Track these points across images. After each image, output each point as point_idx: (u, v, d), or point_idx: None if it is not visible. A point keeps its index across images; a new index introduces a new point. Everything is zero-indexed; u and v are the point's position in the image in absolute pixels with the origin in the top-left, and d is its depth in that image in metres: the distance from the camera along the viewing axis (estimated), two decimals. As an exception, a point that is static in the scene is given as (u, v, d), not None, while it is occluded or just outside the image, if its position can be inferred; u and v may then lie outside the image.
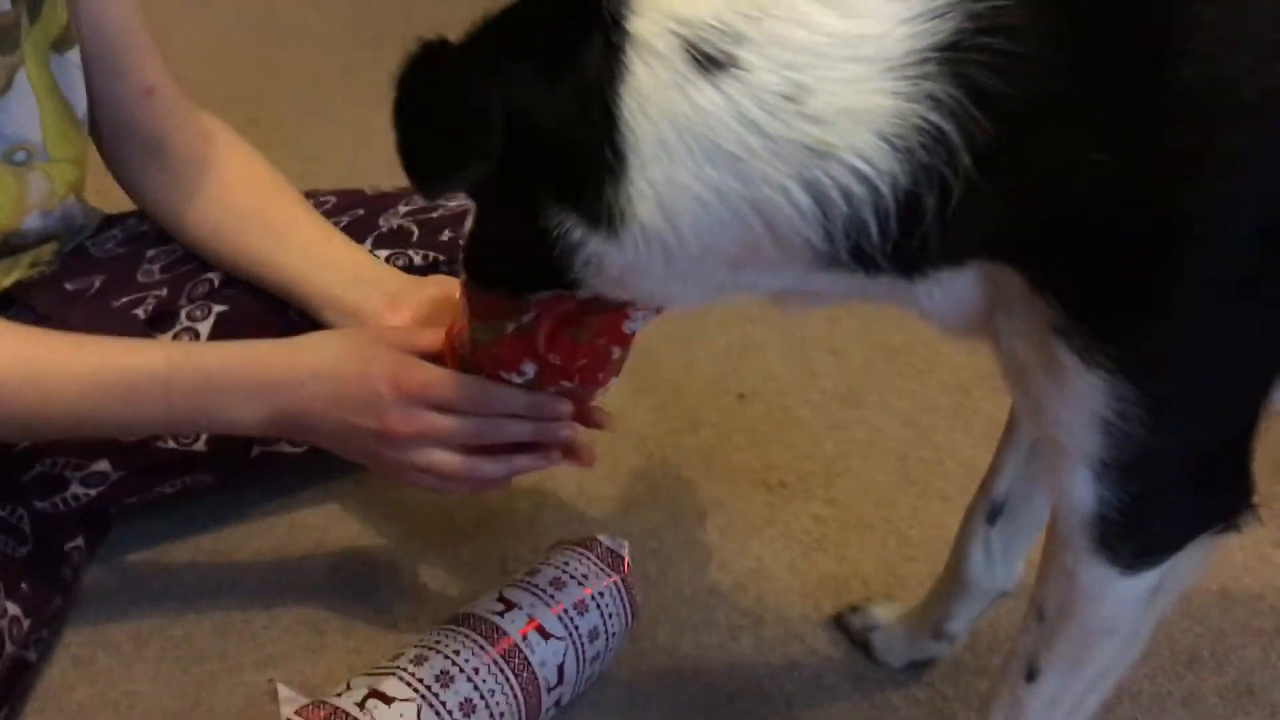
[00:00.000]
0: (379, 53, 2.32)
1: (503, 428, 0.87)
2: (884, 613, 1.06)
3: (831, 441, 1.33)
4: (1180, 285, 0.61)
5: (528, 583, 0.94)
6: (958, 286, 0.66)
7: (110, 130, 1.07)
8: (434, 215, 1.17)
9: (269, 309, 1.07)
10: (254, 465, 1.09)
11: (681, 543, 1.17)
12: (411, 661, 0.87)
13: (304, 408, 0.87)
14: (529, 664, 0.89)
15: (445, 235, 1.15)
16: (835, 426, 1.36)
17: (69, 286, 1.04)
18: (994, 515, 0.94)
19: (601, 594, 0.95)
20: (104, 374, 0.86)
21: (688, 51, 0.58)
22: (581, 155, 0.60)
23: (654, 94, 0.59)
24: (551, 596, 0.93)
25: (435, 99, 0.65)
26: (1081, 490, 0.69)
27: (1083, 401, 0.65)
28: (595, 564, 0.97)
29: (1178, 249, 0.60)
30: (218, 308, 1.06)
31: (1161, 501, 0.70)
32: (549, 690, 0.91)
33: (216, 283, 1.08)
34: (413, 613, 1.05)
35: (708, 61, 0.58)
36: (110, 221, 1.15)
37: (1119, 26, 0.58)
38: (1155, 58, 0.58)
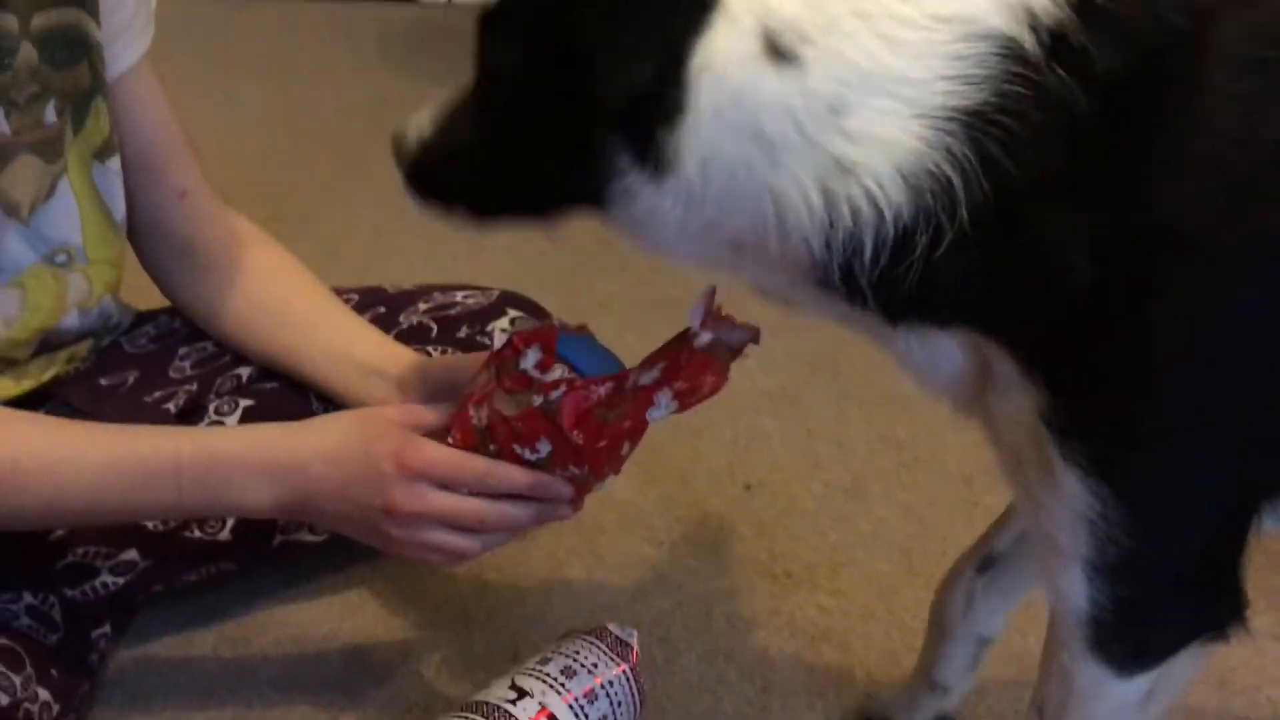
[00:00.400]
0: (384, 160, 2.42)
1: (506, 513, 0.90)
2: (893, 695, 1.09)
3: (836, 532, 1.37)
4: (1151, 398, 0.65)
5: (539, 671, 0.97)
6: (941, 347, 0.70)
7: (145, 230, 1.13)
8: (452, 313, 1.22)
9: (294, 403, 1.11)
10: (275, 554, 1.13)
11: (689, 631, 1.19)
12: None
13: (312, 489, 0.90)
14: (542, 753, 0.91)
15: (463, 332, 1.20)
16: (839, 518, 1.39)
17: (103, 382, 1.09)
18: (985, 566, 0.97)
19: (611, 683, 0.98)
20: (117, 462, 0.90)
21: (764, 36, 0.63)
22: (653, 92, 0.64)
23: (726, 61, 0.63)
24: (563, 685, 0.96)
25: None
26: (1074, 589, 0.72)
27: (1069, 499, 0.68)
28: (605, 653, 1.00)
29: (1151, 363, 0.65)
30: (244, 402, 1.11)
31: (1150, 607, 0.73)
32: (556, 779, 0.93)
33: (245, 378, 1.13)
34: (426, 700, 1.07)
35: (777, 52, 0.63)
36: (143, 318, 1.21)
37: (1119, 145, 0.63)
38: (1145, 184, 0.63)
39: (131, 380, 1.10)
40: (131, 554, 1.04)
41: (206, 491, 0.91)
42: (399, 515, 0.88)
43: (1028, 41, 0.61)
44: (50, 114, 1.00)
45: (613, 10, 0.64)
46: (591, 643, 1.01)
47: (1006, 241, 0.63)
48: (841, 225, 0.63)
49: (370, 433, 0.90)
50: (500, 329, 1.07)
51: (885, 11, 0.63)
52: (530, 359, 0.88)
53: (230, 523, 1.07)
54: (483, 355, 0.96)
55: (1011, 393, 0.68)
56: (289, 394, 1.13)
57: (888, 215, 0.63)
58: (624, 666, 1.00)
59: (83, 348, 1.11)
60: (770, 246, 0.67)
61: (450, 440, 0.93)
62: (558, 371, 0.88)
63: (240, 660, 1.10)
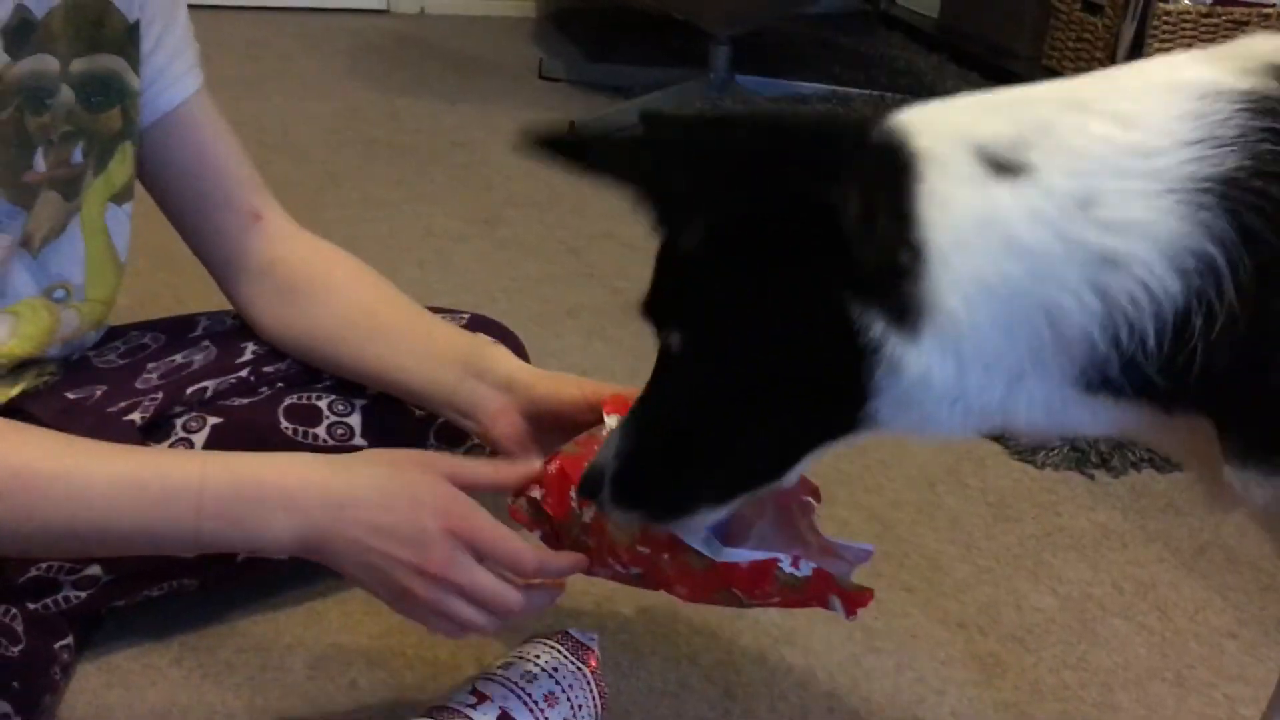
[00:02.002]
0: (367, 161, 2.45)
1: (533, 606, 0.91)
2: None
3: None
4: None
5: (500, 675, 0.98)
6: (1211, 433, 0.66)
7: (223, 260, 1.14)
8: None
9: (262, 422, 1.12)
10: (240, 570, 1.13)
11: (653, 637, 1.20)
12: (386, 755, 0.90)
13: (341, 531, 0.85)
14: (502, 761, 0.92)
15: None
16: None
17: (70, 396, 1.09)
18: None
19: (571, 686, 0.99)
20: (139, 474, 0.84)
21: (979, 158, 0.61)
22: (884, 248, 0.61)
23: (949, 193, 0.61)
24: (523, 689, 0.96)
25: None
26: None
27: None
28: (565, 656, 1.01)
29: None
30: (213, 420, 1.11)
31: None
32: (517, 784, 0.94)
33: (210, 392, 1.13)
34: (389, 707, 1.08)
35: (999, 167, 0.61)
36: (113, 333, 1.21)
37: None
38: None
39: (99, 394, 1.10)
40: (94, 569, 1.04)
41: (228, 518, 0.84)
42: (431, 577, 0.84)
43: (1273, 84, 0.58)
44: (78, 154, 1.02)
45: (861, 204, 0.62)
46: (552, 646, 1.01)
47: (1269, 319, 0.59)
48: (1122, 320, 0.60)
49: (417, 482, 0.86)
50: None
51: (1103, 94, 0.61)
52: None
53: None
54: (593, 398, 0.99)
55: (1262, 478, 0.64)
56: (259, 412, 1.13)
57: (1165, 302, 0.59)
58: (584, 670, 1.01)
59: (52, 365, 1.12)
60: (1048, 364, 0.63)
61: (536, 495, 0.94)
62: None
63: (203, 671, 1.10)
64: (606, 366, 1.72)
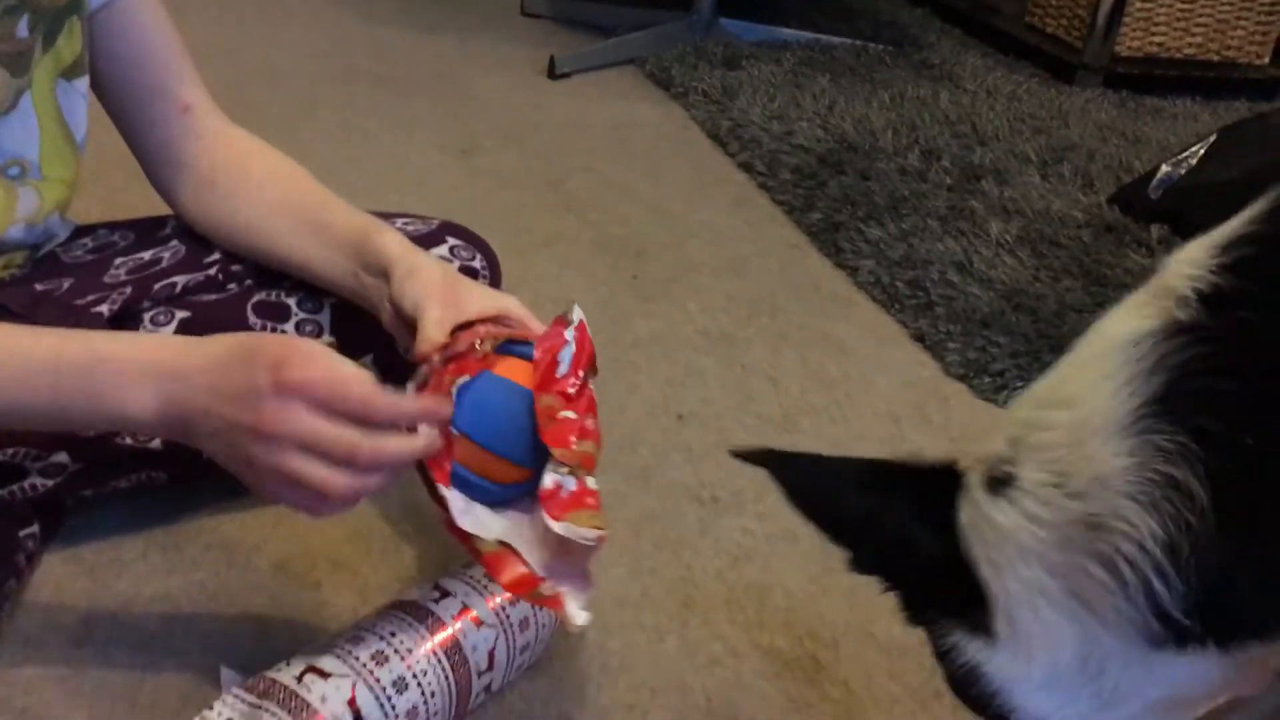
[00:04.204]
0: (346, 88, 2.43)
1: (381, 450, 0.82)
2: None
3: (764, 462, 1.40)
4: None
5: (464, 574, 0.99)
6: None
7: (151, 148, 1.15)
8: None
9: (232, 316, 1.13)
10: (207, 466, 1.13)
11: (616, 550, 1.22)
12: (348, 641, 0.91)
13: (190, 401, 0.83)
14: (460, 648, 0.94)
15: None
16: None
17: (38, 287, 1.09)
18: None
19: (533, 587, 1.01)
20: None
21: (984, 479, 0.69)
22: (956, 582, 0.69)
23: (970, 523, 0.69)
24: (485, 587, 0.98)
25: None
26: None
27: None
28: (528, 559, 1.02)
29: None
30: (180, 314, 1.12)
31: None
32: (479, 675, 0.96)
33: (180, 287, 1.13)
34: (354, 606, 1.09)
35: (996, 483, 0.68)
36: (81, 231, 1.21)
37: None
38: None
39: (66, 285, 1.10)
40: (62, 457, 1.04)
41: (84, 390, 0.83)
42: (263, 433, 0.80)
43: (1182, 315, 0.63)
44: (23, 29, 1.00)
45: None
46: (516, 549, 1.03)
47: (1257, 504, 0.62)
48: (1127, 577, 0.63)
49: (259, 344, 0.84)
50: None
51: (1053, 385, 0.68)
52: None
53: (161, 430, 1.08)
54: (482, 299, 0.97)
55: None
56: (228, 306, 1.14)
57: (1148, 543, 0.62)
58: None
59: (19, 256, 1.11)
60: (1108, 646, 0.66)
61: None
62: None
63: (169, 565, 1.11)
64: (579, 296, 1.73)
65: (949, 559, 0.69)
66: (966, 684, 0.71)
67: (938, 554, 0.70)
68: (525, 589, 0.86)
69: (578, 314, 0.93)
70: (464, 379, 0.90)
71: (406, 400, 0.87)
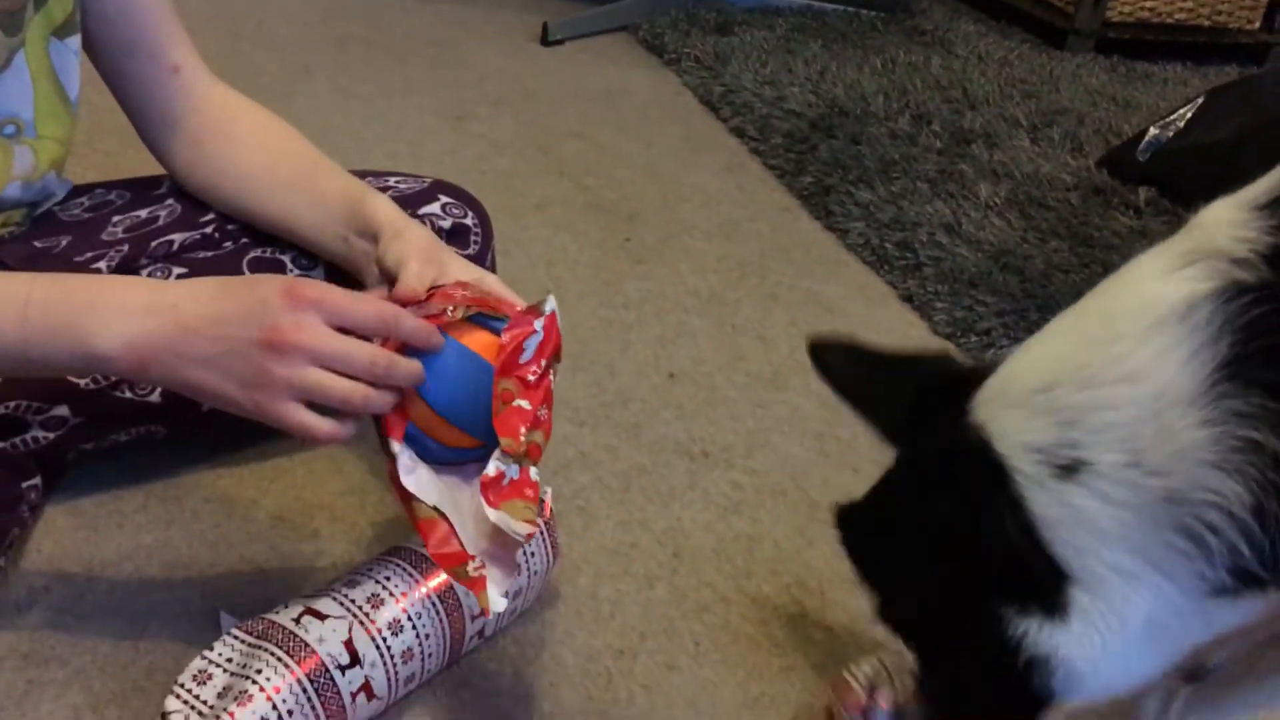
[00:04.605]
0: (341, 54, 2.43)
1: (399, 364, 0.84)
2: None
3: (754, 418, 1.42)
4: None
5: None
6: None
7: (141, 108, 1.16)
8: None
9: (228, 273, 1.14)
10: (206, 419, 1.16)
11: (606, 503, 1.25)
12: (345, 585, 0.94)
13: (176, 329, 0.82)
14: (454, 591, 0.96)
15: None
16: (758, 404, 1.45)
17: (37, 244, 1.11)
18: (1193, 675, 0.94)
19: (525, 534, 1.03)
20: None
21: (1049, 467, 0.68)
22: (1025, 559, 0.68)
23: (1046, 511, 0.68)
24: (478, 534, 1.01)
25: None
26: None
27: None
28: (520, 507, 1.05)
29: None
30: (177, 270, 1.14)
31: None
32: (472, 619, 0.98)
33: (177, 244, 1.15)
34: (351, 556, 1.12)
35: (1064, 470, 0.67)
36: (79, 190, 1.23)
37: None
38: None
39: (64, 243, 1.12)
40: (62, 410, 1.06)
41: (51, 328, 0.82)
42: (283, 345, 0.79)
43: (1243, 276, 0.63)
44: None
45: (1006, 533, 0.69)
46: (508, 498, 1.05)
47: None
48: (1211, 544, 0.64)
49: (255, 278, 0.84)
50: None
51: (1103, 363, 0.67)
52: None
53: (160, 384, 1.10)
54: (397, 264, 0.96)
55: None
56: (223, 264, 1.16)
57: (1235, 509, 0.63)
58: (538, 519, 1.05)
59: (17, 214, 1.13)
60: (1184, 612, 0.68)
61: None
62: None
63: (169, 518, 1.14)
64: (571, 259, 1.75)
65: (1019, 547, 0.69)
66: (1028, 675, 0.70)
67: (1010, 544, 0.69)
68: (451, 563, 0.85)
69: (550, 304, 0.92)
70: None
71: (414, 319, 0.87)
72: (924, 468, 0.77)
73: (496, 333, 0.92)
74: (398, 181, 1.28)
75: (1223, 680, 0.92)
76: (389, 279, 0.99)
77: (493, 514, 0.84)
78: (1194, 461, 0.63)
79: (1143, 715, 0.95)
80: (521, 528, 0.84)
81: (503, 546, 0.87)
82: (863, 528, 0.81)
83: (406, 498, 0.87)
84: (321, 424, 0.84)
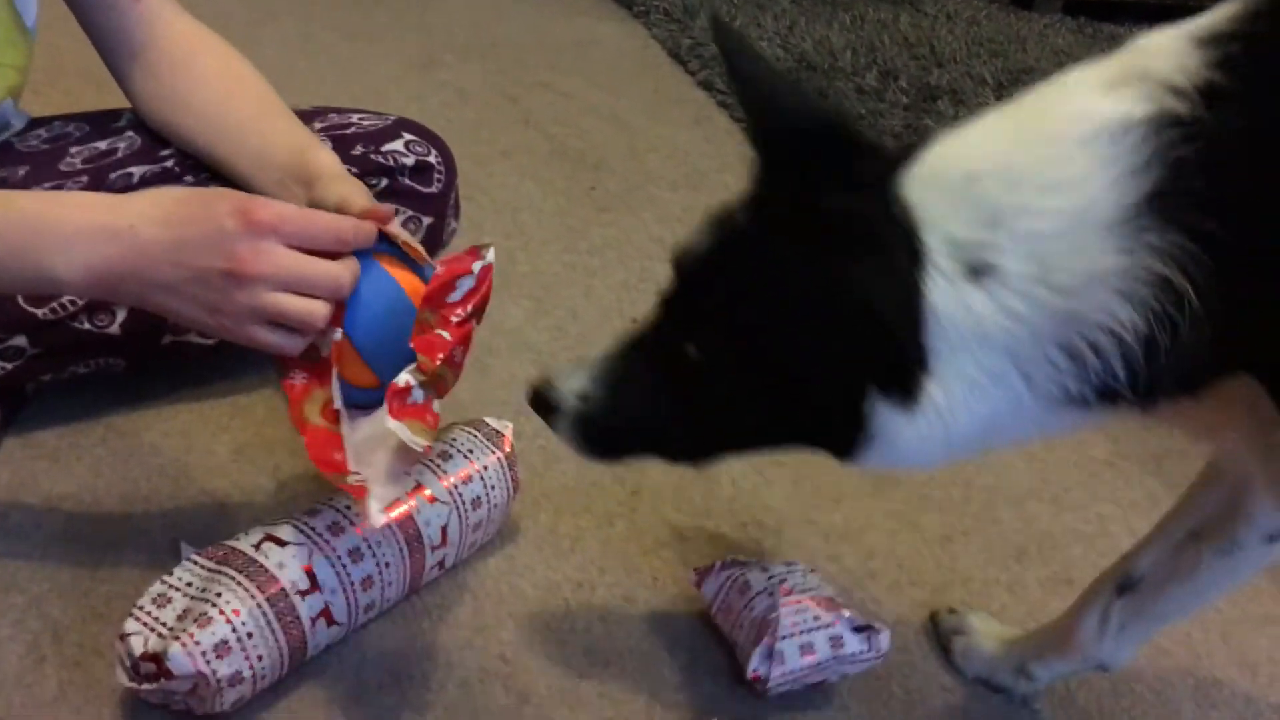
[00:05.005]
0: (302, 3, 2.40)
1: (359, 273, 0.86)
2: (978, 624, 1.08)
3: (714, 363, 1.44)
4: None
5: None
6: (1190, 409, 0.72)
7: (103, 34, 1.14)
8: (348, 132, 1.25)
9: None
10: (165, 352, 1.16)
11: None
12: (306, 513, 0.95)
13: (137, 255, 0.81)
14: (414, 521, 0.97)
15: (357, 150, 1.22)
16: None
17: (-7, 174, 1.10)
18: (1124, 588, 0.96)
19: (485, 467, 1.04)
20: None
21: (959, 263, 0.67)
22: (906, 345, 0.68)
23: (943, 304, 0.67)
24: (439, 466, 1.02)
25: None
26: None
27: None
28: (481, 441, 1.06)
29: None
30: (136, 203, 1.13)
31: None
32: (433, 549, 0.99)
33: (136, 177, 1.14)
34: (313, 492, 1.12)
35: (974, 271, 0.66)
36: (37, 123, 1.21)
37: None
38: None
39: (22, 173, 1.11)
40: (21, 340, 1.06)
41: (11, 251, 0.81)
42: (244, 275, 0.80)
43: (1177, 107, 0.62)
44: None
45: (892, 281, 0.67)
46: (469, 432, 1.06)
47: (1247, 298, 0.64)
48: (1090, 365, 0.66)
49: (208, 195, 0.84)
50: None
51: (1033, 166, 0.65)
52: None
53: (120, 317, 1.09)
54: (340, 196, 0.94)
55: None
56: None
57: (1126, 337, 0.64)
58: (498, 454, 1.06)
59: (-27, 145, 1.12)
60: (1025, 412, 0.69)
61: None
62: None
63: (128, 450, 1.14)
64: (536, 205, 1.75)
65: (900, 334, 0.68)
66: (851, 435, 0.71)
67: (895, 328, 0.68)
68: (334, 470, 0.85)
69: (490, 255, 0.92)
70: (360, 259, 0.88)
71: (370, 230, 0.87)
72: (833, 225, 0.70)
73: (424, 279, 0.91)
74: (361, 118, 1.28)
75: (1153, 586, 0.94)
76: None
77: (392, 424, 0.83)
78: (1102, 285, 0.64)
79: (1081, 633, 0.97)
80: (420, 439, 0.84)
81: (392, 461, 0.86)
82: (735, 266, 0.74)
83: (297, 406, 0.88)
84: (284, 341, 0.86)
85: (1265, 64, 0.64)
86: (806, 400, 0.73)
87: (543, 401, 0.84)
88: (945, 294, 0.67)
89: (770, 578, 1.01)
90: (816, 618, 0.97)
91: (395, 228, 0.92)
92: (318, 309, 0.84)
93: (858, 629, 0.97)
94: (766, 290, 0.71)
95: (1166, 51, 0.65)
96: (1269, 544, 0.87)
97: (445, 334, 0.88)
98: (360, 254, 0.88)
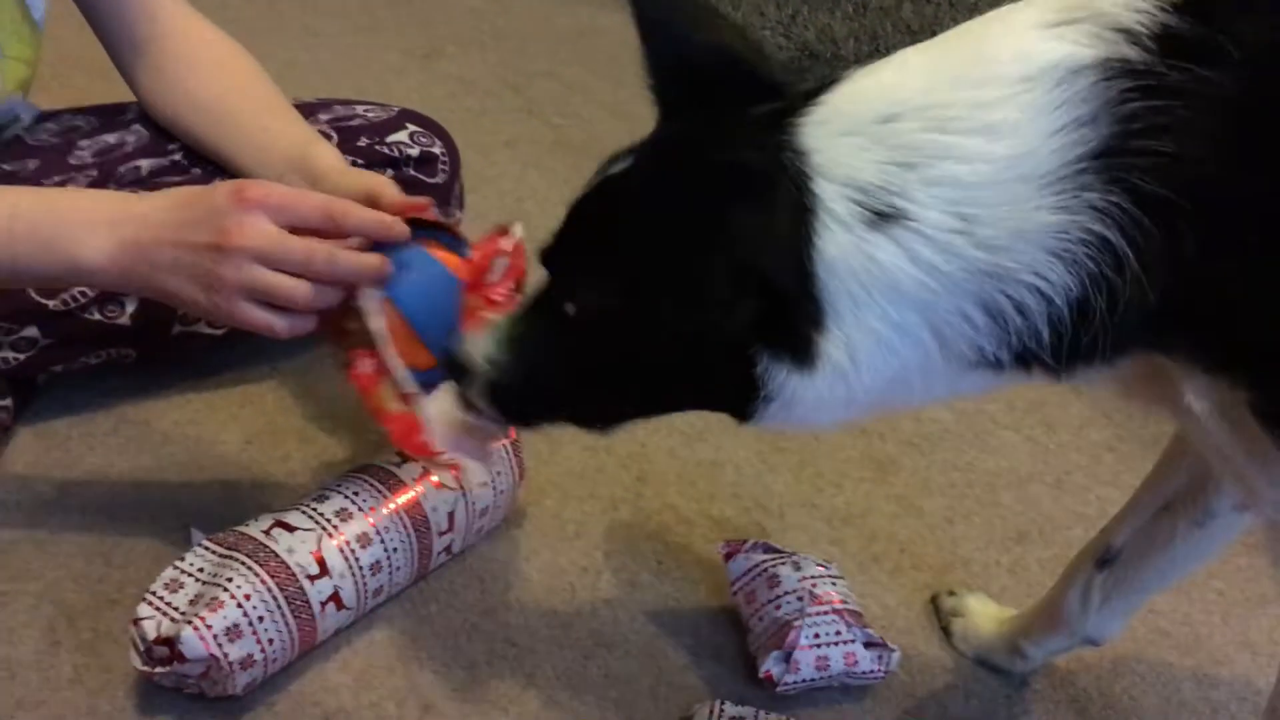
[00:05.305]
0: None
1: (339, 257, 0.86)
2: (975, 605, 1.09)
3: (718, 350, 1.45)
4: None
5: (424, 441, 1.04)
6: (1108, 377, 0.67)
7: (108, 30, 1.16)
8: (352, 124, 1.26)
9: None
10: (174, 343, 1.17)
11: (572, 429, 1.27)
12: (314, 500, 0.96)
13: (147, 237, 0.85)
14: (421, 507, 0.99)
15: (362, 141, 1.24)
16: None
17: (5, 167, 1.11)
18: (1104, 562, 0.95)
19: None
20: None
21: (862, 209, 0.61)
22: (793, 301, 0.63)
23: (840, 255, 0.61)
24: (445, 453, 1.03)
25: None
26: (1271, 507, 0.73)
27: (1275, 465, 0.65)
28: (486, 427, 1.07)
29: None
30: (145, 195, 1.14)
31: None
32: (440, 534, 1.01)
33: (145, 170, 1.16)
34: (322, 479, 1.13)
35: (879, 217, 0.60)
36: (46, 116, 1.23)
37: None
38: None
39: (33, 167, 1.12)
40: (32, 331, 1.07)
41: (38, 239, 0.86)
42: (230, 247, 0.83)
43: (1130, 54, 0.57)
44: None
45: (769, 231, 0.63)
46: (474, 419, 1.08)
47: (1190, 266, 0.58)
48: (1012, 325, 0.61)
49: (214, 185, 0.88)
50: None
51: (963, 106, 0.59)
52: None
53: (130, 308, 1.11)
54: (368, 186, 0.96)
55: (1203, 389, 0.65)
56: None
57: (1056, 299, 0.59)
58: (503, 441, 1.07)
59: (-17, 138, 1.13)
60: (935, 369, 0.65)
61: None
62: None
63: (140, 440, 1.15)
64: (541, 195, 1.76)
65: (792, 287, 0.63)
66: (746, 394, 0.66)
67: (781, 285, 0.63)
68: (423, 454, 0.88)
69: (519, 231, 0.95)
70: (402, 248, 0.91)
71: (362, 209, 0.89)
72: (713, 174, 0.65)
73: (461, 254, 0.94)
74: (365, 110, 1.29)
75: (1131, 559, 0.95)
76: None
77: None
78: (1033, 244, 0.59)
79: (1066, 609, 0.99)
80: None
81: (474, 441, 0.89)
82: (620, 206, 0.69)
83: (373, 393, 0.89)
84: (275, 321, 0.87)
85: (1237, 14, 0.57)
86: (691, 362, 0.68)
87: (456, 365, 0.80)
88: (841, 243, 0.61)
89: (803, 579, 1.01)
90: (838, 632, 0.98)
91: (434, 212, 0.95)
92: (300, 288, 0.85)
93: (870, 645, 0.98)
94: (641, 244, 0.66)
95: None
96: (1241, 512, 0.87)
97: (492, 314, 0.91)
98: (404, 246, 0.90)
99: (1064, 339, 0.61)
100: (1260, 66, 0.56)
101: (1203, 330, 0.62)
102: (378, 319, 0.88)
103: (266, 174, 1.10)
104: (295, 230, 0.86)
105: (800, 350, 0.64)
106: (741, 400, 0.68)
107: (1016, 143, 0.58)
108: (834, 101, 0.64)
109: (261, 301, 0.85)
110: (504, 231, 0.96)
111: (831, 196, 0.62)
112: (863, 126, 0.62)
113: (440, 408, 0.88)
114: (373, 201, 0.96)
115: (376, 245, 0.89)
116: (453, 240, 0.95)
